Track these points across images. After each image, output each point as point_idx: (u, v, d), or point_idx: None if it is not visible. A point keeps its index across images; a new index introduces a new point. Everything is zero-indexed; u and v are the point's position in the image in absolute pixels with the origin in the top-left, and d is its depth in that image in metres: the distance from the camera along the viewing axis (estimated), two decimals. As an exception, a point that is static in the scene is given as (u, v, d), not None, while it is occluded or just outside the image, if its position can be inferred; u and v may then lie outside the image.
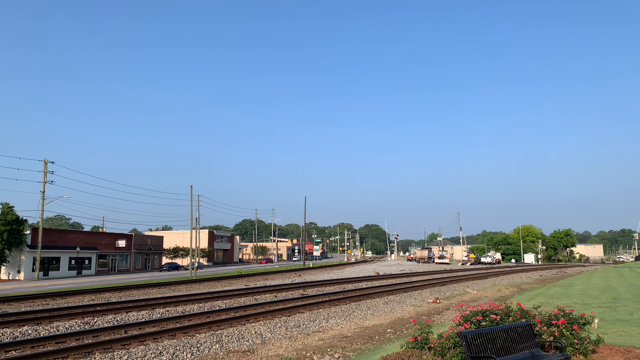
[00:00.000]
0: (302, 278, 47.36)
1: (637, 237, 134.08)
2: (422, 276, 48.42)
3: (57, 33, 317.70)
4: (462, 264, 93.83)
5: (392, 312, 21.08)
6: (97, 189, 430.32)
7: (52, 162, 56.68)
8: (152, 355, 12.30)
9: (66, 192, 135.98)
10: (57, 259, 60.62)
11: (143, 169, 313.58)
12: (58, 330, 16.32)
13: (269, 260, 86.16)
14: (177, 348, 13.07)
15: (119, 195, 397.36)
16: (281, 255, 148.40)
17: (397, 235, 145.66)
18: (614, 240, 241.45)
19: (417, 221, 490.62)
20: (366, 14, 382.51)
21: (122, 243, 72.93)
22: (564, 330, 8.97)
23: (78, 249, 62.95)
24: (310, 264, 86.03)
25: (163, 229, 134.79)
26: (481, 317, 9.47)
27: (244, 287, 35.17)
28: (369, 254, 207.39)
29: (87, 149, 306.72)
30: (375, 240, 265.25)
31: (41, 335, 15.25)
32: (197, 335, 15.06)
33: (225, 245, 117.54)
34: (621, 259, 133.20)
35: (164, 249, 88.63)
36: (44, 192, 55.61)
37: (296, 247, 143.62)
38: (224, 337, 14.77)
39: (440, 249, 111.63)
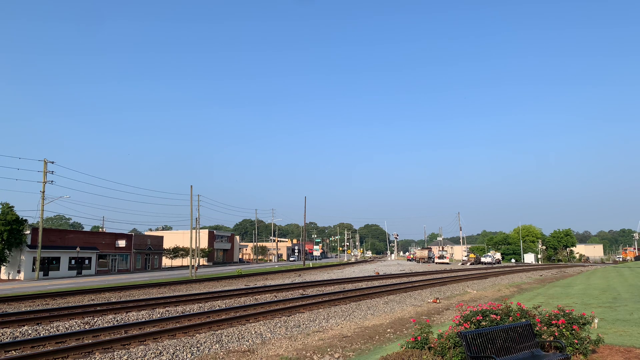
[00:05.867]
0: (302, 278, 47.34)
1: (637, 237, 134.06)
2: (422, 276, 48.41)
3: (57, 33, 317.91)
4: (462, 264, 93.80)
5: (392, 312, 21.08)
6: (97, 189, 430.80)
7: (52, 162, 56.69)
8: (152, 355, 12.30)
9: (66, 192, 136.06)
10: (57, 259, 60.61)
11: (143, 169, 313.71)
12: (58, 330, 16.32)
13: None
14: (177, 348, 13.07)
15: (119, 195, 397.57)
16: (281, 255, 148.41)
17: (397, 235, 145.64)
18: (614, 240, 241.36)
19: (417, 221, 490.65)
20: (366, 14, 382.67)
21: (122, 243, 72.90)
22: (564, 330, 8.98)
23: (78, 249, 62.93)
24: (310, 264, 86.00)
25: (163, 229, 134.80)
26: (481, 317, 9.48)
27: (244, 287, 35.16)
28: (369, 254, 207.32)
29: (87, 149, 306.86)
30: (375, 240, 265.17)
31: (41, 335, 15.25)
32: (197, 335, 15.06)
33: (225, 245, 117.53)
34: (621, 259, 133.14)
35: (164, 249, 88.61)
36: (44, 192, 55.60)
37: (296, 247, 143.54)
38: (224, 337, 14.77)
39: (440, 249, 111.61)
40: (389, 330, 16.28)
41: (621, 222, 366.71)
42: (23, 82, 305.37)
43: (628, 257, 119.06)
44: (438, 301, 24.70)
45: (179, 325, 16.16)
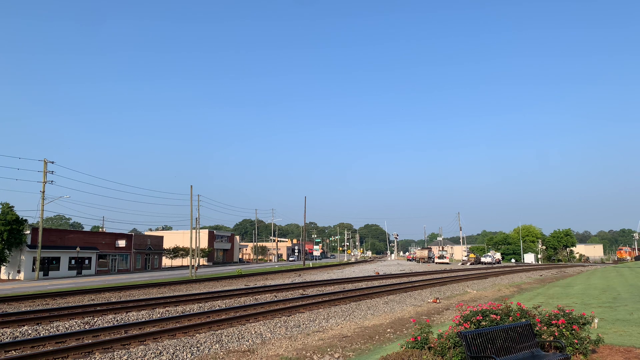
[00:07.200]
0: (302, 278, 47.34)
1: (637, 237, 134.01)
2: (422, 276, 48.42)
3: (57, 33, 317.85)
4: (462, 264, 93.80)
5: (392, 312, 21.08)
6: (97, 189, 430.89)
7: (52, 162, 56.69)
8: (152, 355, 12.30)
9: (66, 192, 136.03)
10: (57, 259, 60.61)
11: (143, 169, 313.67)
12: (58, 330, 16.32)
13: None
14: (177, 348, 13.07)
15: (119, 195, 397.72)
16: (281, 255, 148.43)
17: (397, 235, 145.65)
18: (614, 240, 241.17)
19: (417, 221, 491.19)
20: (366, 14, 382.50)
21: (122, 243, 72.89)
22: (564, 330, 8.98)
23: (78, 249, 62.93)
24: (310, 264, 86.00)
25: (163, 229, 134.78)
26: (481, 317, 9.48)
27: (244, 287, 35.16)
28: (369, 254, 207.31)
29: (87, 149, 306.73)
30: (375, 240, 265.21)
31: (41, 335, 15.25)
32: (197, 335, 15.06)
33: (225, 245, 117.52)
34: (617, 259, 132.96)
35: (164, 249, 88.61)
36: (44, 192, 55.60)
37: (296, 247, 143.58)
38: (224, 337, 14.78)
39: (440, 248, 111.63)
40: (389, 330, 16.28)
41: (621, 222, 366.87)
42: (23, 82, 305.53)
43: (627, 257, 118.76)
44: (438, 301, 24.70)
45: (179, 325, 16.16)
